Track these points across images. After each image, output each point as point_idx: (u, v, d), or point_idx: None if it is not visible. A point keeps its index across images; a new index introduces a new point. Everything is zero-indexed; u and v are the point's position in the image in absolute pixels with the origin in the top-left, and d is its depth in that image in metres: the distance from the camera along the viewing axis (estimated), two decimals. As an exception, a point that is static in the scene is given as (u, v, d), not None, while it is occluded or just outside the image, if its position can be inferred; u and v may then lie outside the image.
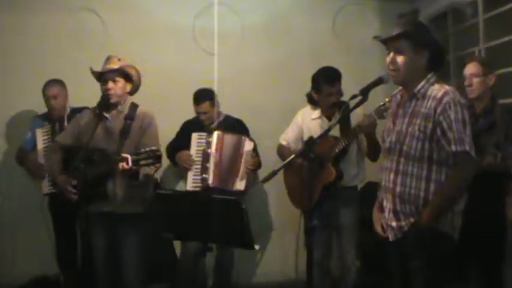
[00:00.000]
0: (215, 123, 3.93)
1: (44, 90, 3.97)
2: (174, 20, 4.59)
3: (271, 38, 4.73)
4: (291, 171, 3.54)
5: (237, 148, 3.81)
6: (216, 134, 3.81)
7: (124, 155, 2.97)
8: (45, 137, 3.88)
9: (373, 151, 3.44)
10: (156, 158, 2.96)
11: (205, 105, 3.87)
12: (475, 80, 3.18)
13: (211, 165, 3.77)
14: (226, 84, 4.46)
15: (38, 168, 3.83)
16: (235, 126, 3.95)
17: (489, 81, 3.19)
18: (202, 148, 3.82)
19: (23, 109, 4.38)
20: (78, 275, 3.70)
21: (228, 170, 3.80)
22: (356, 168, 3.55)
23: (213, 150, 3.77)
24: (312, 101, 3.62)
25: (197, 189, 3.78)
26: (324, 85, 3.46)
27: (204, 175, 3.77)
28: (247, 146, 3.82)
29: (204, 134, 3.84)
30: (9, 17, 4.39)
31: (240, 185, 3.79)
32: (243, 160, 3.79)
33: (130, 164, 2.95)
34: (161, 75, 4.38)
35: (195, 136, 3.78)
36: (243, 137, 3.86)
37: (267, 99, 4.67)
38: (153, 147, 2.97)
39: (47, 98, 3.96)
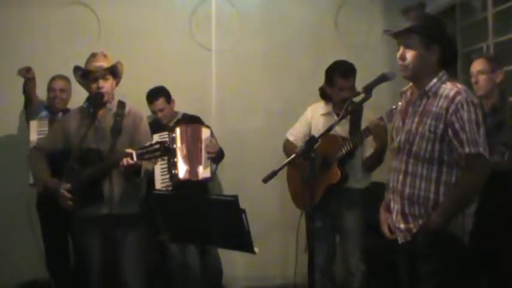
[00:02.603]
0: (173, 122, 3.99)
1: (50, 84, 3.98)
2: (170, 14, 4.55)
3: (271, 33, 4.66)
4: (294, 170, 3.48)
5: (197, 137, 3.90)
6: (178, 128, 3.88)
7: (128, 150, 2.93)
8: (41, 129, 3.82)
9: (376, 159, 3.32)
10: (165, 150, 2.92)
11: (159, 102, 3.93)
12: (482, 77, 3.15)
13: (179, 160, 3.82)
14: (224, 81, 4.38)
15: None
16: (193, 123, 3.99)
17: (496, 78, 3.14)
18: None
19: (14, 105, 4.29)
20: (70, 281, 3.65)
21: (194, 160, 3.87)
22: (362, 172, 3.46)
23: (178, 144, 3.84)
24: (324, 96, 3.54)
25: (169, 188, 3.83)
26: (338, 78, 3.38)
27: (173, 171, 3.81)
28: (204, 133, 3.90)
29: (165, 133, 3.88)
30: (-2, 11, 4.36)
31: (205, 172, 3.86)
32: (203, 148, 3.86)
33: (135, 159, 2.89)
34: (157, 72, 4.32)
35: (155, 137, 3.76)
36: (198, 126, 3.95)
37: (266, 96, 4.60)
38: (160, 140, 2.99)
39: (53, 91, 3.96)
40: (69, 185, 2.97)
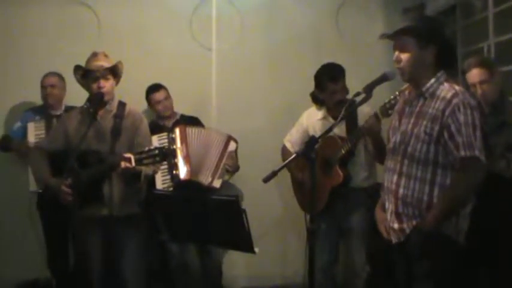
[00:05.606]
0: (172, 123, 3.98)
1: (42, 81, 3.96)
2: (171, 14, 4.52)
3: (271, 32, 4.64)
4: (298, 181, 3.48)
5: (214, 144, 3.80)
6: (177, 128, 3.79)
7: (126, 154, 2.91)
8: (39, 132, 3.82)
9: (379, 153, 3.28)
10: (163, 155, 2.91)
11: (161, 93, 3.95)
12: (485, 87, 3.02)
13: (180, 160, 3.71)
14: (224, 81, 4.36)
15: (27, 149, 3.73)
16: (192, 124, 3.95)
17: (497, 80, 3.06)
18: None
19: (15, 104, 4.30)
20: (71, 280, 3.63)
21: (199, 161, 3.75)
22: (366, 170, 3.44)
23: (178, 145, 3.74)
24: (317, 101, 3.52)
25: (170, 188, 3.76)
26: (328, 83, 3.36)
27: (174, 172, 3.71)
28: (231, 146, 3.84)
29: (164, 134, 3.85)
30: (-2, 11, 4.34)
31: (217, 182, 3.74)
32: (224, 158, 3.79)
33: (133, 163, 2.88)
34: (157, 72, 4.30)
35: (154, 138, 3.75)
36: (228, 136, 3.85)
37: (266, 97, 4.58)
38: (158, 145, 2.96)
39: (44, 87, 3.95)
40: (69, 181, 2.96)
